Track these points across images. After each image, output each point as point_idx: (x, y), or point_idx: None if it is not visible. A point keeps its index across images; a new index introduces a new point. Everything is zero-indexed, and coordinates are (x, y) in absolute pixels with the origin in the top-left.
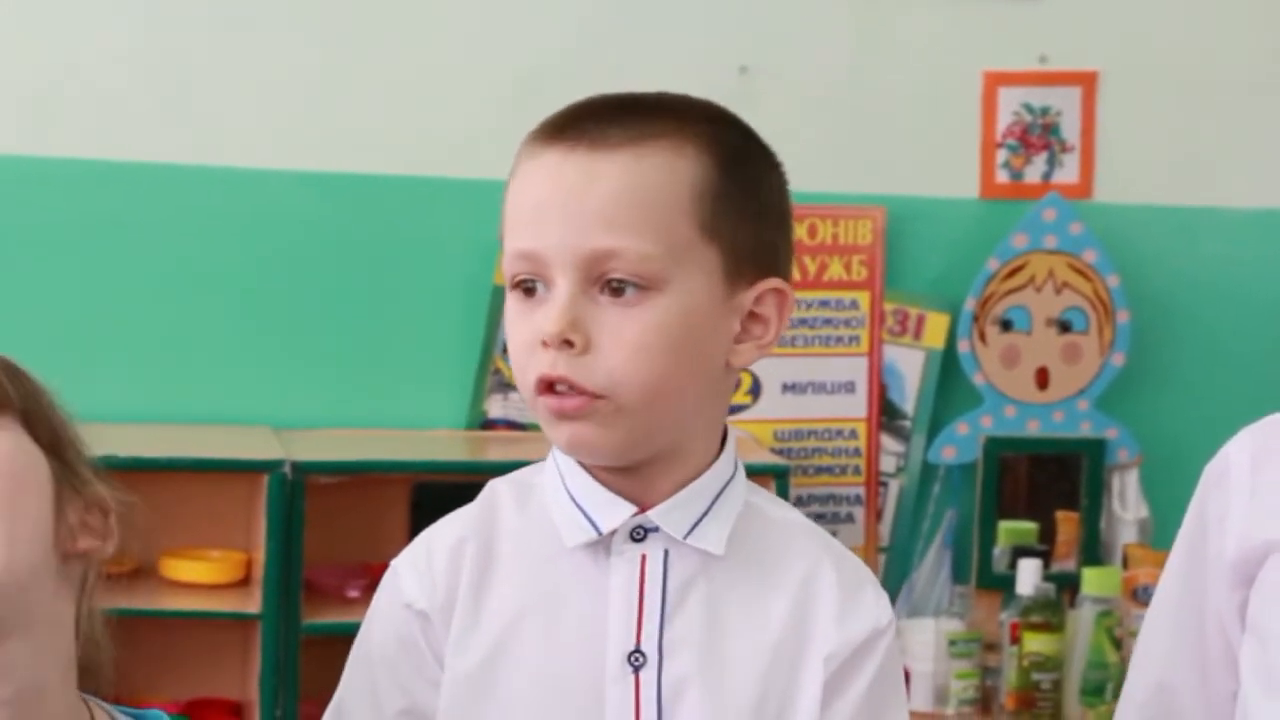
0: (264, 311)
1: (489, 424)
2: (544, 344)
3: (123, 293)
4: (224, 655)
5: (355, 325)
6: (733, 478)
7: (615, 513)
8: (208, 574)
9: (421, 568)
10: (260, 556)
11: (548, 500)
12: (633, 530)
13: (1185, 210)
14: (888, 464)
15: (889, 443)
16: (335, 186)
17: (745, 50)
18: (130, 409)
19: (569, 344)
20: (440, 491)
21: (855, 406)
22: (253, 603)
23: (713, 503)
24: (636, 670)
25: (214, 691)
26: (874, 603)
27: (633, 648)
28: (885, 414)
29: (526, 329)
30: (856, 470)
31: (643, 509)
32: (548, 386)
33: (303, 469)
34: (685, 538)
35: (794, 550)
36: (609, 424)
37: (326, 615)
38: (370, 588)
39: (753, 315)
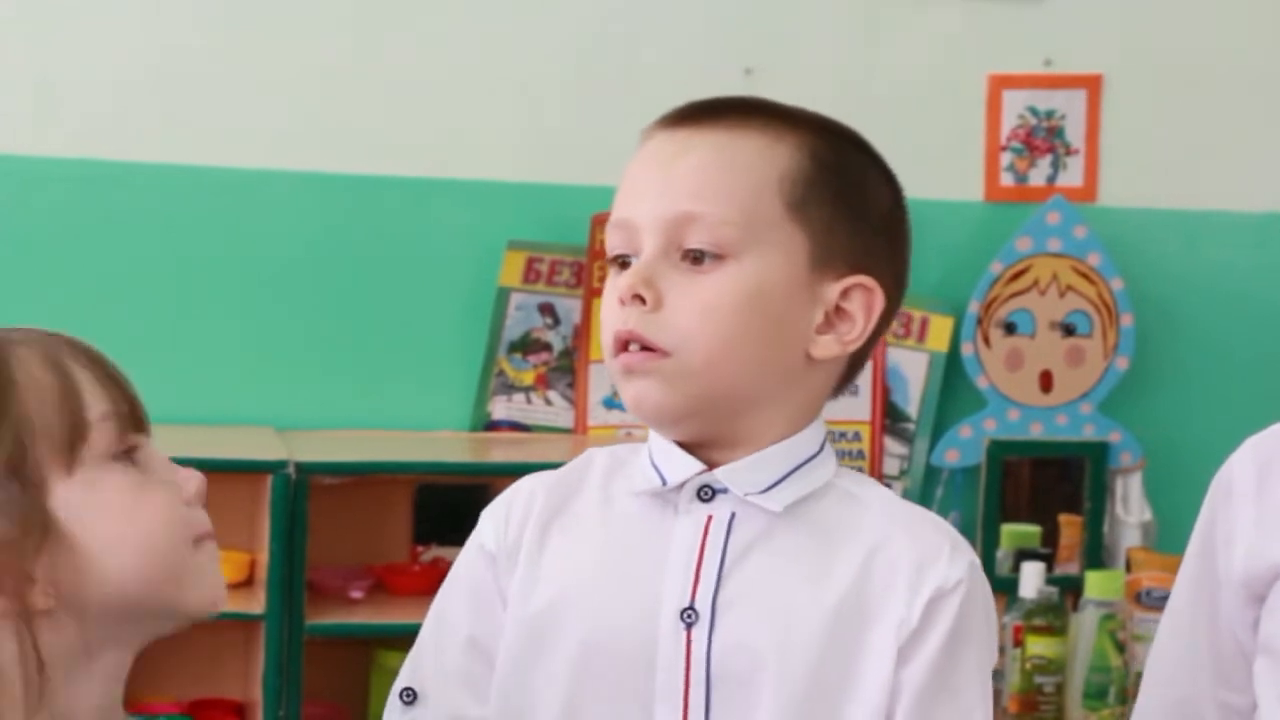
0: (267, 312)
1: (492, 425)
2: (620, 301)
3: (125, 293)
4: (227, 656)
5: (359, 326)
6: (814, 458)
7: (684, 467)
8: None
9: (499, 513)
10: (263, 557)
11: (634, 470)
12: (700, 490)
13: (1190, 214)
14: (891, 467)
15: (892, 445)
16: (339, 187)
17: (750, 52)
18: None
19: (640, 300)
20: (443, 493)
21: (859, 409)
22: (256, 603)
23: (789, 474)
24: (689, 627)
25: (217, 692)
26: (948, 561)
27: (686, 604)
28: (889, 417)
29: (611, 294)
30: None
31: (711, 470)
32: (623, 345)
33: (306, 470)
34: (763, 492)
35: (867, 523)
36: (671, 384)
37: (330, 616)
38: (374, 588)
39: (839, 310)
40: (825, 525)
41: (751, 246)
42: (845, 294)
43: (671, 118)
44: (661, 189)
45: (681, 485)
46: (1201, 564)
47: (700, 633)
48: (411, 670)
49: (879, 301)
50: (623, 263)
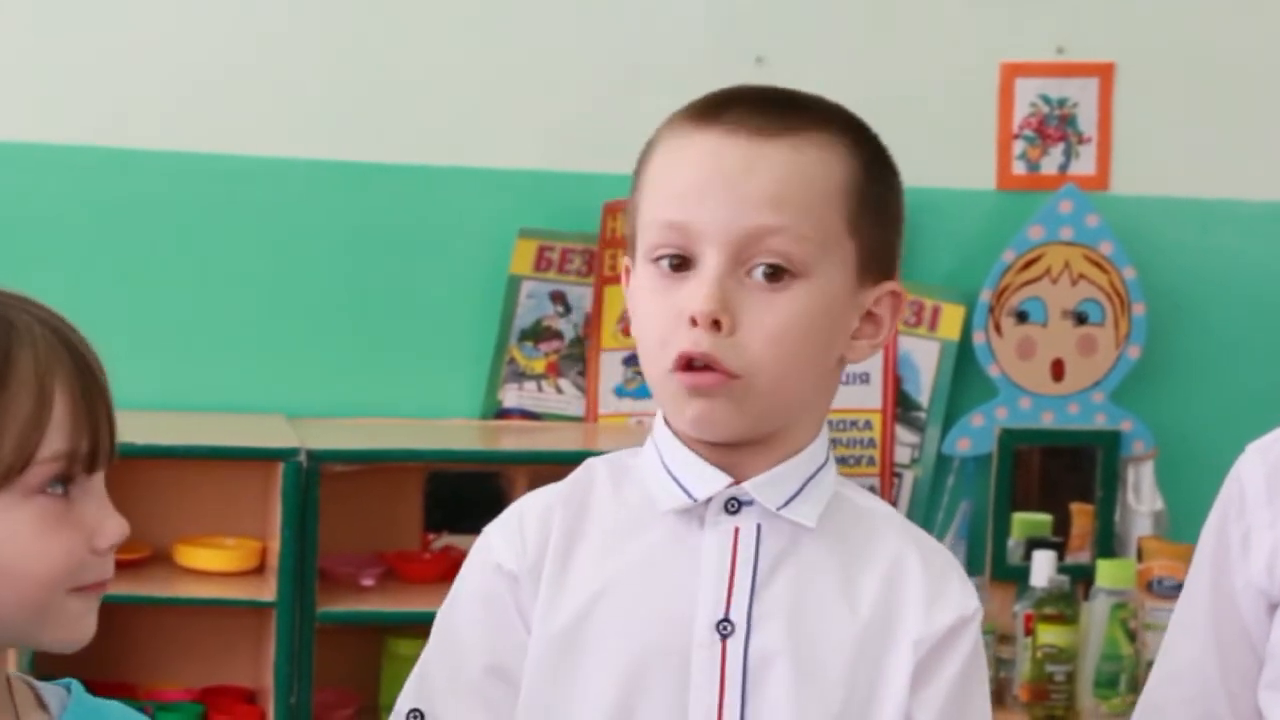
0: (279, 300)
1: (503, 413)
2: (692, 321)
3: (138, 281)
4: (238, 643)
5: (370, 314)
6: (824, 465)
7: (711, 482)
8: (222, 562)
9: (512, 531)
10: (275, 544)
11: (645, 476)
12: (727, 502)
13: (1202, 202)
14: (902, 455)
15: (903, 434)
16: (350, 175)
17: (761, 40)
18: (145, 397)
19: (717, 325)
20: (455, 480)
21: (870, 398)
22: (267, 590)
23: (804, 484)
24: (724, 638)
25: (228, 679)
26: (960, 590)
27: (721, 616)
28: (900, 405)
29: (667, 304)
30: (871, 461)
31: (737, 483)
32: (686, 363)
33: (317, 457)
34: (779, 510)
35: (881, 536)
36: (738, 404)
37: (341, 603)
38: (385, 576)
39: (870, 314)
40: (847, 539)
41: (822, 261)
42: (878, 300)
43: (720, 117)
44: (733, 199)
45: (709, 499)
46: (1216, 572)
47: (735, 644)
48: (418, 691)
49: (903, 303)
50: (674, 263)
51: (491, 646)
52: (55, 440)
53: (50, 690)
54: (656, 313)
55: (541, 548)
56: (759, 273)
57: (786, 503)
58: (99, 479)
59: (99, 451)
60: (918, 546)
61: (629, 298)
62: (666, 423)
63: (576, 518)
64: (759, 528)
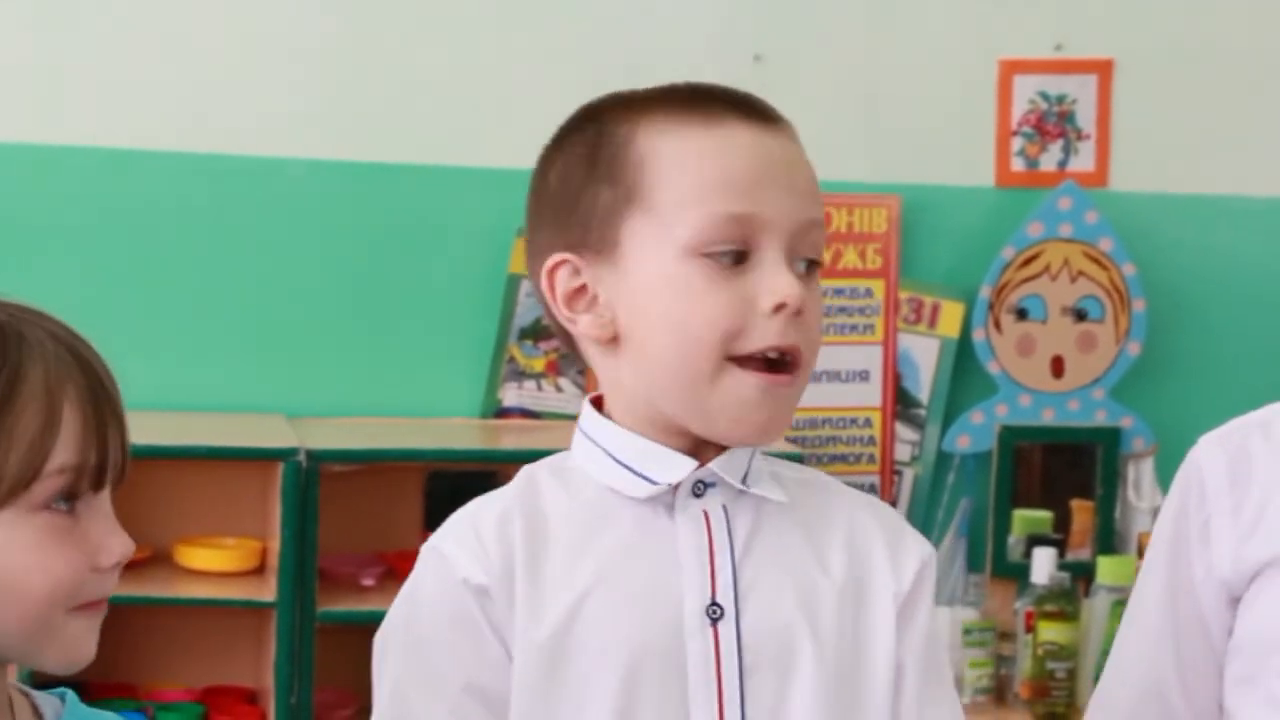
0: (278, 300)
1: (503, 412)
2: (775, 310)
3: (137, 281)
4: (239, 643)
5: (370, 313)
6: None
7: (679, 467)
8: (222, 562)
9: (471, 544)
10: (275, 544)
11: (592, 475)
12: (694, 486)
13: (1202, 199)
14: (902, 453)
15: (904, 431)
16: (349, 174)
17: (760, 38)
18: (144, 397)
19: (799, 312)
20: (454, 479)
21: (870, 395)
22: (267, 590)
23: (750, 461)
24: (715, 622)
25: (229, 679)
26: (914, 538)
27: (709, 600)
28: (900, 402)
29: (730, 296)
30: (871, 459)
31: (702, 466)
32: (765, 361)
33: (317, 457)
34: (744, 483)
35: (831, 502)
36: (795, 401)
37: (341, 603)
38: (385, 575)
39: None
40: (802, 509)
41: None
42: None
43: (741, 107)
44: (790, 190)
45: (677, 485)
46: (1174, 558)
47: (727, 626)
48: (395, 715)
49: None
50: (737, 255)
51: (467, 666)
52: (62, 456)
53: (45, 699)
54: (717, 305)
55: (507, 556)
56: (801, 265)
57: (744, 481)
58: (106, 497)
59: (107, 468)
60: (866, 506)
61: (643, 296)
62: (605, 415)
63: (536, 522)
64: (725, 508)
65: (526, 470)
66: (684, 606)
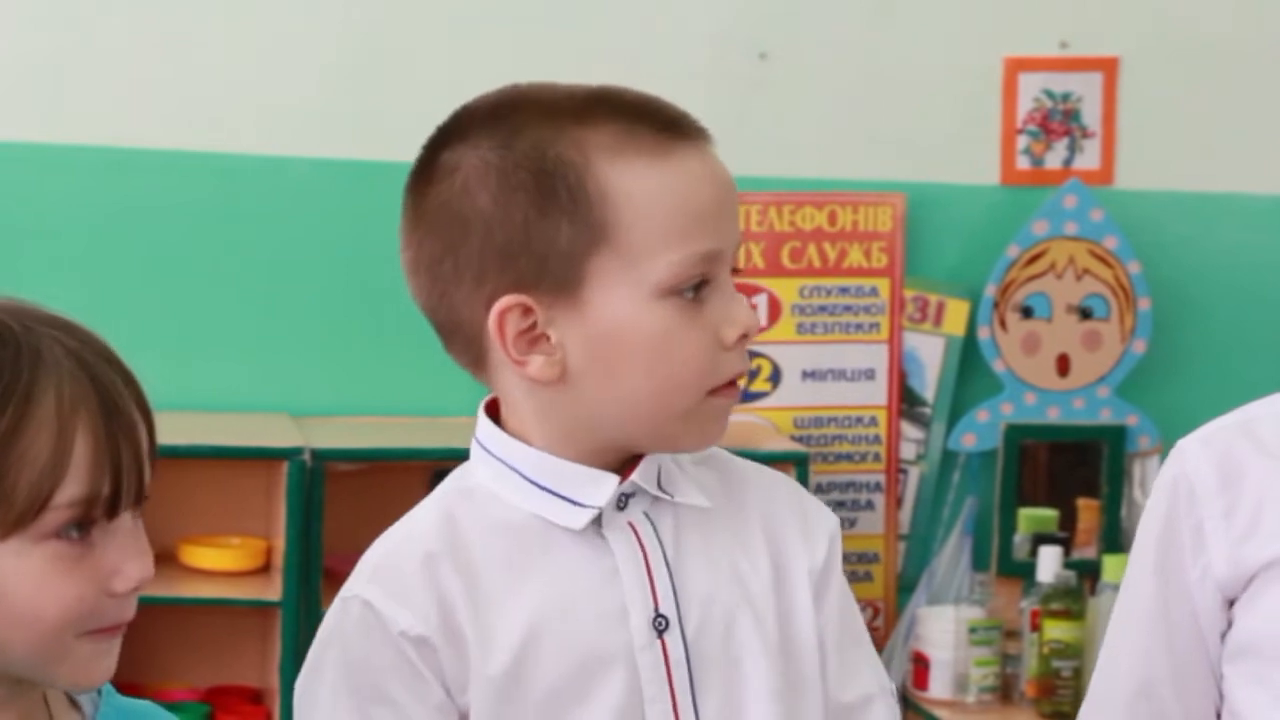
0: (283, 299)
1: None
2: (743, 338)
3: (140, 281)
4: (244, 642)
5: (374, 313)
6: None
7: (605, 484)
8: (228, 561)
9: (398, 593)
10: (280, 544)
11: (506, 499)
12: (618, 500)
13: (1207, 196)
14: (908, 451)
15: (909, 430)
16: (353, 174)
17: (765, 36)
18: (149, 397)
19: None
20: None
21: (875, 393)
22: (273, 590)
23: (659, 461)
24: (660, 634)
25: (234, 678)
26: (817, 508)
27: (653, 613)
28: (905, 401)
29: (698, 331)
30: (877, 457)
31: (624, 480)
32: (731, 384)
33: (322, 456)
34: (660, 487)
35: (744, 487)
36: None
37: None
38: None
39: None
40: (720, 501)
41: None
42: None
43: (682, 128)
44: (734, 213)
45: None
46: (1165, 560)
47: (673, 636)
48: None
49: None
50: (697, 288)
51: (409, 714)
52: (71, 489)
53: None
54: (692, 342)
55: (445, 602)
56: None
57: (659, 485)
58: (127, 518)
59: (121, 496)
60: (771, 484)
61: (610, 339)
62: (502, 428)
63: (462, 560)
64: (647, 515)
65: (436, 501)
66: (630, 622)
